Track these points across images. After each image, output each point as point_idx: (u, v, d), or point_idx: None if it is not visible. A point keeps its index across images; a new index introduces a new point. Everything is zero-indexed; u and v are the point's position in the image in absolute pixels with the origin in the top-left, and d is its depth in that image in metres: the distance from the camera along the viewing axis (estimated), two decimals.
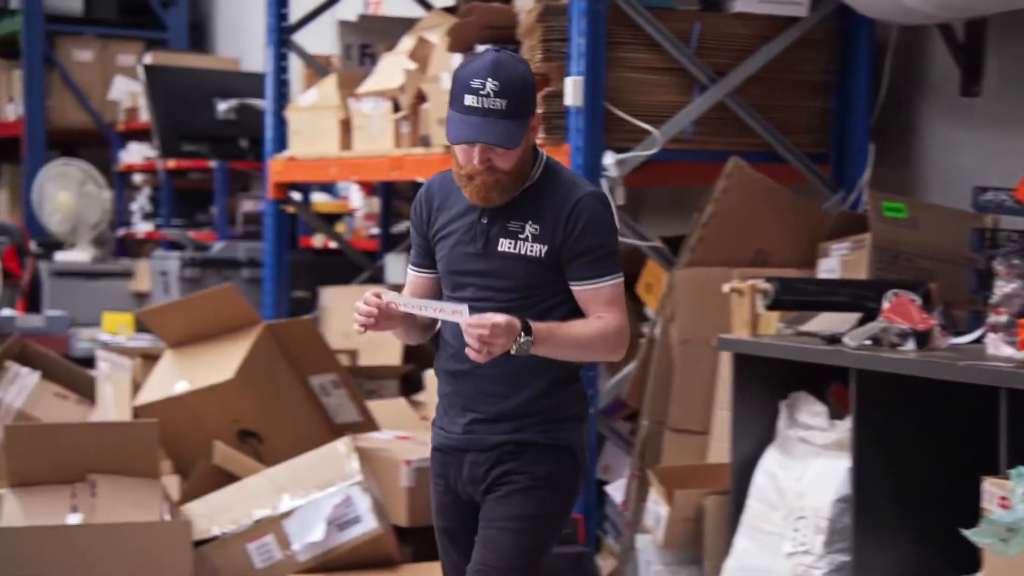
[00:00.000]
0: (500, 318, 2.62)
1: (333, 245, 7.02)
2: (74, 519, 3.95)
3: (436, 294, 2.88)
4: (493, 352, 2.62)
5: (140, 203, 8.79)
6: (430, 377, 5.08)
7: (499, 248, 2.78)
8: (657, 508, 4.01)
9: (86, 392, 5.38)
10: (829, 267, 4.27)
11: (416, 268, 2.90)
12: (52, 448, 4.05)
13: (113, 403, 5.06)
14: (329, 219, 7.45)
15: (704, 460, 4.25)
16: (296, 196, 6.58)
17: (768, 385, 3.83)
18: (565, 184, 2.80)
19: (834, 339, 3.60)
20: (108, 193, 8.24)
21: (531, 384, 2.80)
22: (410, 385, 5.49)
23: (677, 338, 4.35)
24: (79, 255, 7.86)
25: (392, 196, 7.06)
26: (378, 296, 2.74)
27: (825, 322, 3.89)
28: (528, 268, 2.77)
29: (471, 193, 2.75)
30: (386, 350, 5.66)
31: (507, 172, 2.73)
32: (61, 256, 7.87)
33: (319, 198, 7.72)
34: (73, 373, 5.51)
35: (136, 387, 4.97)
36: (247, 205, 8.07)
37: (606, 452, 4.77)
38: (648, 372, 4.42)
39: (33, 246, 7.52)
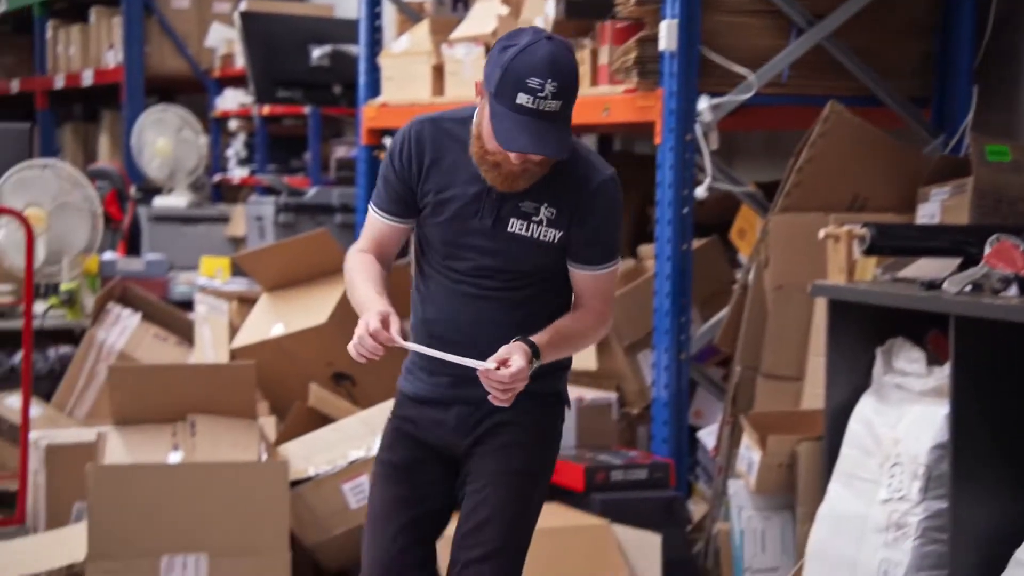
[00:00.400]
0: (522, 361, 2.51)
1: None
2: (175, 458, 4.04)
3: (402, 245, 2.75)
4: (516, 392, 2.56)
5: (235, 149, 8.89)
6: None
7: (509, 229, 2.61)
8: (749, 454, 4.00)
9: (185, 334, 5.49)
10: (929, 212, 4.19)
11: (387, 215, 2.67)
12: (153, 388, 4.14)
13: (211, 345, 5.15)
14: None
15: (797, 406, 4.22)
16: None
17: (864, 332, 3.78)
18: (583, 163, 2.63)
19: (933, 285, 3.54)
20: (204, 139, 8.34)
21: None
22: None
23: (771, 284, 4.31)
24: (177, 200, 7.99)
25: None
26: (386, 330, 2.53)
27: (924, 268, 3.83)
28: (538, 254, 2.64)
29: (493, 179, 2.56)
30: None
31: (540, 164, 2.57)
32: (159, 201, 8.00)
33: None
34: (172, 316, 5.63)
35: (233, 330, 5.06)
36: (340, 151, 8.11)
37: (697, 398, 4.77)
38: (741, 318, 4.39)
39: (133, 191, 7.65)
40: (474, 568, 2.67)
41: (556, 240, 2.64)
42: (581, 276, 2.71)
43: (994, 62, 4.67)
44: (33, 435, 4.62)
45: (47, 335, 5.62)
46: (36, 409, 5.06)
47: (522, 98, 2.45)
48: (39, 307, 5.50)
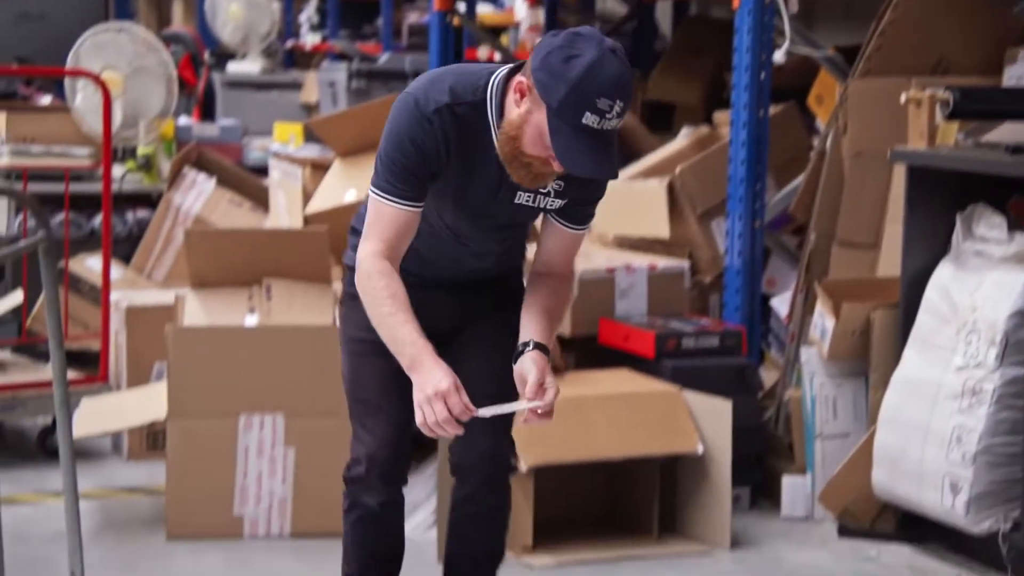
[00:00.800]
0: (549, 376, 2.53)
1: (497, 57, 6.97)
2: (251, 321, 4.09)
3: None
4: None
5: (308, 14, 8.85)
6: None
7: (516, 201, 2.56)
8: (823, 321, 3.98)
9: (259, 199, 5.52)
10: (1016, 75, 4.08)
11: (411, 203, 2.51)
12: (230, 252, 4.19)
13: (285, 211, 5.19)
14: (494, 31, 7.39)
15: (872, 275, 4.18)
16: (461, 8, 6.53)
17: (944, 198, 3.72)
18: None
19: (1017, 149, 3.46)
20: (276, 4, 8.29)
21: (501, 259, 2.74)
22: None
23: (849, 151, 4.24)
24: (250, 66, 7.98)
25: (557, 8, 6.95)
26: (462, 402, 2.42)
27: (1008, 132, 3.74)
28: (535, 215, 2.62)
29: (520, 177, 2.47)
30: None
31: None
32: (233, 67, 8.00)
33: (484, 10, 7.64)
34: (247, 181, 5.66)
35: (307, 196, 5.08)
36: (412, 17, 8.05)
37: (771, 266, 4.73)
38: (817, 185, 4.33)
39: (206, 56, 7.65)
40: (501, 436, 2.71)
41: (557, 206, 2.60)
42: (566, 234, 2.64)
43: None
44: (114, 296, 4.70)
45: (125, 199, 5.69)
46: (116, 271, 5.14)
47: (589, 118, 2.34)
48: (117, 171, 5.55)
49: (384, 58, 7.30)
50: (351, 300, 2.68)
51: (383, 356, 2.59)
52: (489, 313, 2.75)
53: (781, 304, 4.55)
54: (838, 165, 4.28)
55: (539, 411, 2.51)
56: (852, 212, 4.25)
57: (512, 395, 2.60)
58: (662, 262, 4.55)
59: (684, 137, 5.14)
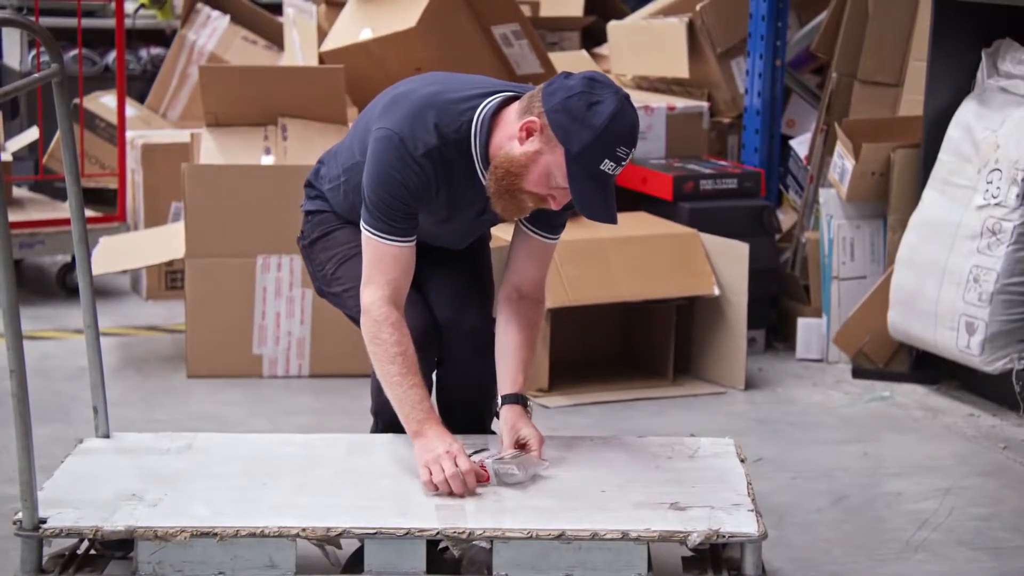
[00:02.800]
0: (530, 427, 2.55)
1: None
2: (267, 160, 4.08)
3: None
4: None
5: None
6: (613, 28, 4.98)
7: (490, 216, 2.56)
8: (842, 161, 3.94)
9: (274, 37, 5.45)
10: None
11: (407, 240, 2.49)
12: (244, 90, 4.15)
13: (300, 49, 5.12)
14: None
15: (895, 114, 4.13)
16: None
17: (970, 33, 3.64)
18: None
19: None
20: None
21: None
22: (592, 37, 5.40)
23: None
24: None
25: None
26: (470, 463, 2.43)
27: None
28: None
29: (505, 209, 2.46)
30: (569, 1, 5.55)
31: None
32: None
33: None
34: (261, 18, 5.58)
35: (321, 34, 5.01)
36: None
37: (791, 106, 4.67)
38: (840, 22, 4.25)
39: None
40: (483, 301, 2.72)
41: (535, 214, 2.57)
42: (540, 245, 2.62)
43: None
44: (129, 134, 4.68)
45: (138, 35, 5.62)
46: (131, 109, 5.11)
47: (607, 165, 2.35)
48: (129, 6, 5.48)
49: None
50: (318, 240, 2.68)
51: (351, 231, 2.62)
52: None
53: (800, 145, 4.50)
54: (862, 1, 4.19)
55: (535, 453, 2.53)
56: (875, 49, 4.17)
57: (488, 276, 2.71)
58: (681, 103, 4.49)
59: None
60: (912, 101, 3.98)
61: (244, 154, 4.08)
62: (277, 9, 5.63)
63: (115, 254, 4.24)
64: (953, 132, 3.60)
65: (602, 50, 5.25)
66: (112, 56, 5.28)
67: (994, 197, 3.45)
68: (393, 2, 4.87)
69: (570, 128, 2.35)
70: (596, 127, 2.34)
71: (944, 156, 3.62)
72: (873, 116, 4.12)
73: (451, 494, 2.42)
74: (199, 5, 5.43)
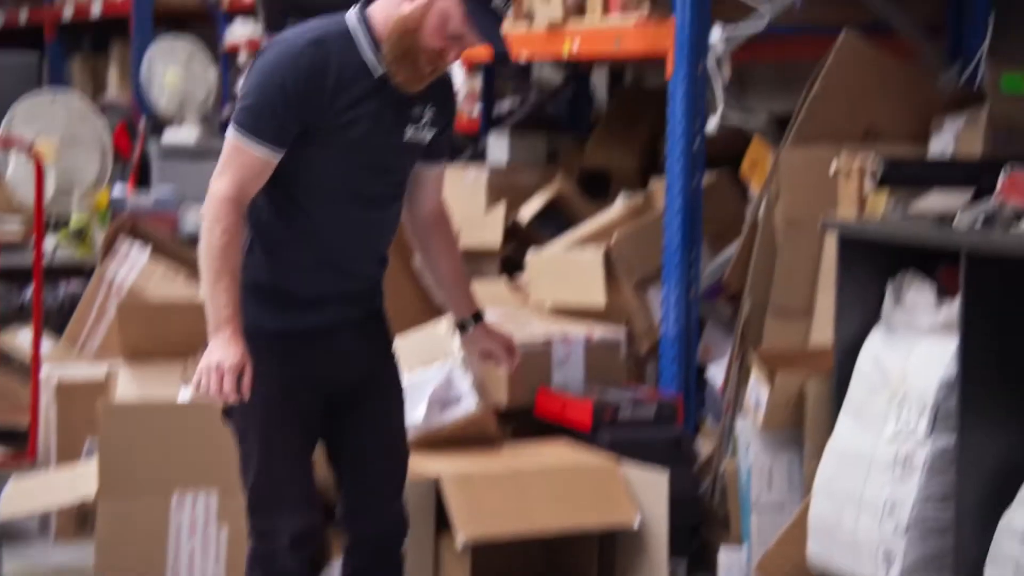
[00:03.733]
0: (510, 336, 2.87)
1: None
2: (185, 395, 4.04)
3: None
4: None
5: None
6: (532, 258, 5.07)
7: (405, 139, 2.65)
8: (758, 390, 3.99)
9: (195, 270, 5.45)
10: (942, 143, 4.14)
11: (272, 147, 2.56)
12: (163, 325, 4.15)
13: None
14: None
15: (806, 343, 4.20)
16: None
17: (875, 267, 3.74)
18: None
19: (945, 219, 3.50)
20: (214, 71, 8.28)
21: (383, 256, 2.82)
22: (510, 266, 5.49)
23: (782, 219, 4.28)
24: (186, 134, 7.94)
25: (494, 76, 6.99)
26: (235, 387, 2.55)
27: (936, 201, 3.78)
28: (418, 157, 2.72)
29: (406, 78, 2.56)
30: (487, 231, 5.66)
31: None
32: (169, 135, 7.96)
33: None
34: (182, 251, 5.61)
35: None
36: None
37: (706, 334, 4.75)
38: (751, 254, 4.36)
39: (142, 124, 7.61)
40: (398, 504, 2.77)
41: (430, 139, 2.71)
42: (435, 174, 2.80)
43: None
44: (44, 371, 4.63)
45: (57, 271, 5.62)
46: (47, 345, 5.06)
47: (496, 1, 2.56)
48: (49, 242, 5.49)
49: None
50: (252, 357, 2.64)
51: (297, 421, 2.66)
52: (382, 378, 2.82)
53: (717, 373, 4.56)
54: (771, 233, 4.32)
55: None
56: (785, 281, 4.27)
57: (405, 468, 2.74)
58: (599, 331, 4.55)
59: (620, 205, 5.16)
60: (823, 331, 4.06)
61: (162, 389, 4.05)
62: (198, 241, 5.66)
63: (25, 495, 4.14)
64: (863, 362, 3.66)
65: (521, 277, 5.33)
66: (29, 292, 5.26)
67: (905, 427, 3.48)
68: None
69: None
70: None
71: (855, 386, 3.67)
72: (786, 345, 4.19)
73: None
74: (120, 239, 5.46)
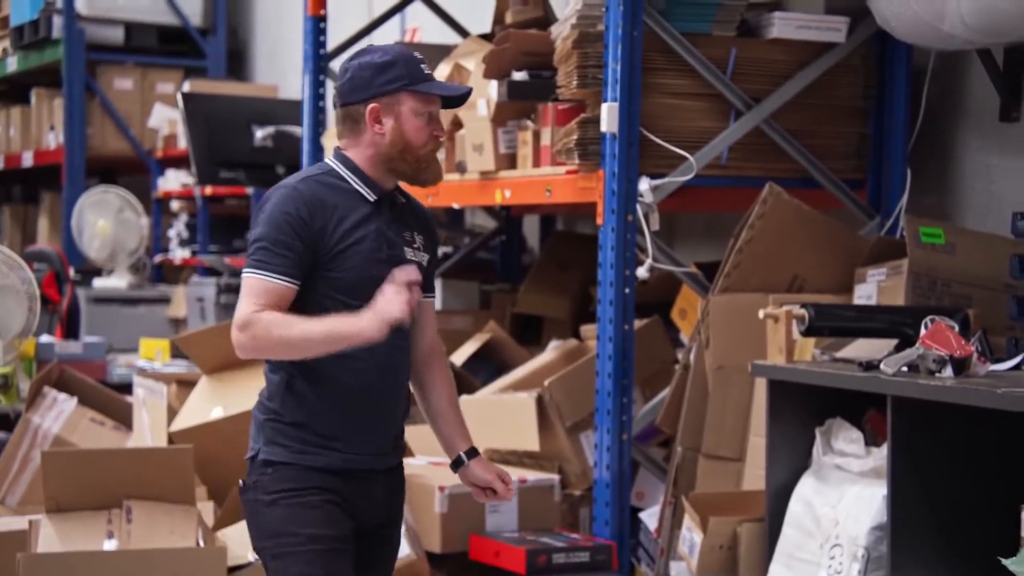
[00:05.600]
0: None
1: None
2: (110, 545, 3.95)
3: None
4: None
5: (177, 229, 8.84)
6: (464, 403, 5.06)
7: (407, 257, 2.84)
8: (691, 535, 3.99)
9: (123, 418, 5.40)
10: (866, 293, 4.24)
11: (289, 279, 2.72)
12: (88, 474, 4.06)
13: (149, 429, 5.08)
14: None
15: (738, 487, 4.22)
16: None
17: (803, 412, 3.80)
18: (406, 190, 2.93)
19: (870, 366, 3.57)
20: (146, 220, 8.30)
21: (407, 392, 2.96)
22: None
23: (712, 364, 4.33)
24: (117, 281, 7.92)
25: None
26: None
27: (861, 348, 3.86)
28: (420, 278, 2.85)
29: (435, 172, 2.83)
30: None
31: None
32: (99, 282, 7.93)
33: None
34: (110, 399, 5.54)
35: (172, 413, 4.99)
36: None
37: (640, 479, 4.75)
38: (682, 398, 4.39)
39: (71, 273, 7.57)
40: None
41: (426, 265, 2.90)
42: (429, 305, 2.95)
43: (926, 145, 4.76)
44: None
45: None
46: None
47: (424, 67, 2.82)
48: None
49: None
50: (286, 496, 2.74)
51: (341, 557, 2.74)
52: (394, 531, 2.95)
53: (650, 518, 4.55)
54: (702, 378, 4.36)
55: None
56: (717, 425, 4.31)
57: None
58: (532, 476, 4.54)
59: (552, 350, 5.20)
60: (755, 475, 4.08)
61: (85, 540, 3.95)
62: (129, 389, 5.60)
63: None
64: (795, 507, 3.69)
65: None
66: None
67: (837, 572, 3.50)
68: (245, 379, 4.90)
69: (387, 79, 2.77)
70: (390, 61, 2.78)
71: (788, 531, 3.69)
72: (718, 490, 4.20)
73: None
74: (45, 388, 5.39)
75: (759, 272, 4.35)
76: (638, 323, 4.59)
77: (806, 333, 3.76)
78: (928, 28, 4.16)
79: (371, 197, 2.81)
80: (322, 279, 2.75)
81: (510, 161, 4.93)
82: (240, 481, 2.85)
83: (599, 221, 4.44)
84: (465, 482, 2.99)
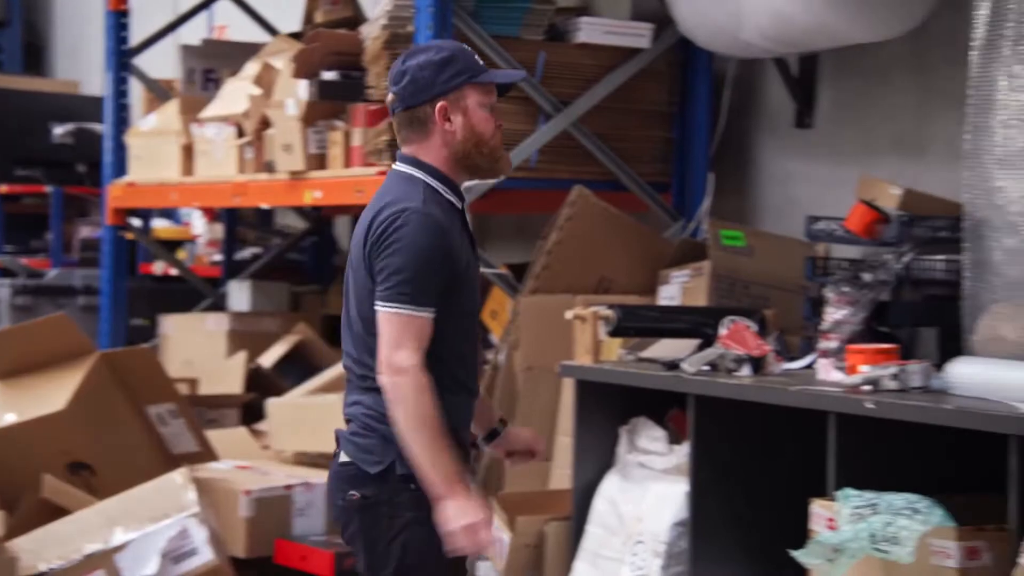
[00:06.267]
0: None
1: (174, 272, 6.87)
2: None
3: None
4: None
5: None
6: (272, 406, 5.00)
7: (479, 259, 2.86)
8: (498, 535, 4.00)
9: None
10: (670, 294, 4.32)
11: (433, 313, 2.65)
12: None
13: None
14: (170, 245, 7.29)
15: (546, 487, 4.26)
16: (136, 222, 6.44)
17: (610, 411, 3.85)
18: None
19: (673, 365, 3.64)
20: None
21: None
22: (251, 414, 5.39)
23: (521, 365, 4.36)
24: None
25: (236, 223, 6.95)
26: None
27: (665, 348, 3.94)
28: None
29: (507, 162, 2.83)
30: (227, 379, 5.56)
31: None
32: None
33: (161, 224, 7.56)
34: None
35: None
36: (85, 231, 7.85)
37: None
38: (492, 399, 4.41)
39: None
40: None
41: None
42: None
43: (728, 150, 4.90)
44: None
45: None
46: None
47: (477, 58, 2.78)
48: None
49: (53, 274, 7.06)
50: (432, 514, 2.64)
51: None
52: None
53: None
54: (511, 379, 4.39)
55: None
56: (526, 425, 4.32)
57: None
58: None
59: None
60: (562, 475, 4.12)
61: None
62: None
63: None
64: (599, 505, 3.73)
65: (262, 426, 5.23)
66: None
67: (640, 569, 3.56)
68: (40, 385, 4.73)
69: (451, 74, 2.72)
70: (448, 57, 2.73)
71: (592, 529, 3.74)
72: (527, 489, 4.23)
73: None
74: None
75: (567, 273, 4.40)
76: None
77: (612, 334, 3.82)
78: (727, 36, 4.27)
79: (459, 204, 2.77)
80: (455, 286, 2.69)
81: (320, 161, 4.88)
82: (353, 492, 2.68)
83: None
84: (501, 450, 2.99)
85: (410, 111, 2.73)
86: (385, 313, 2.62)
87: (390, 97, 2.76)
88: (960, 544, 2.80)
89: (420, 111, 2.72)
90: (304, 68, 4.77)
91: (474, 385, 2.80)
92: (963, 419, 2.87)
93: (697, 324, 3.79)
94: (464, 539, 2.58)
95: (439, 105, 2.71)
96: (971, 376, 3.00)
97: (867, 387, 3.07)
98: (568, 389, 4.10)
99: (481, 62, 2.78)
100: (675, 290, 4.30)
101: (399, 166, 2.77)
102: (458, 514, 2.58)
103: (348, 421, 2.75)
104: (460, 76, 2.72)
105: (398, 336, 2.61)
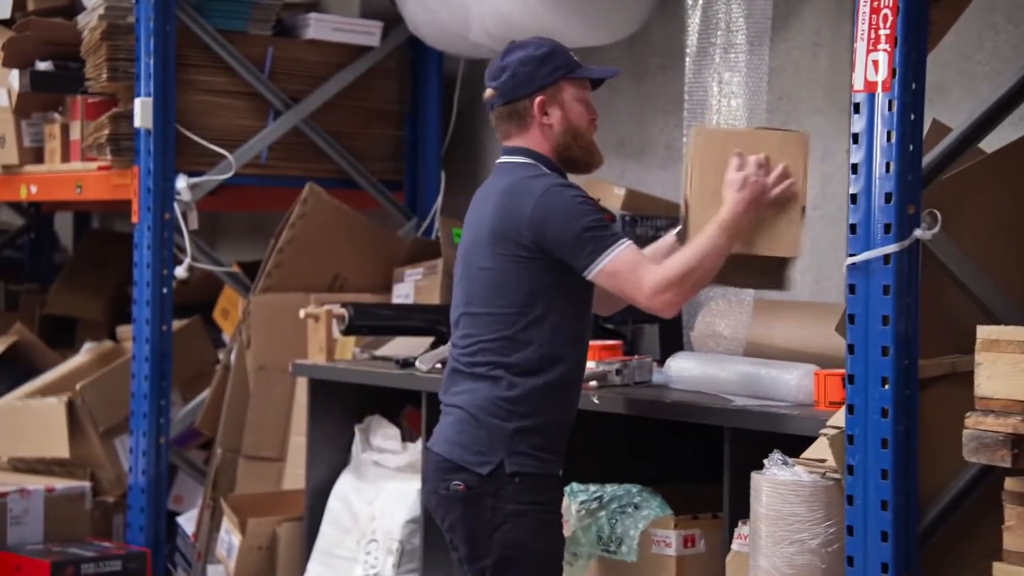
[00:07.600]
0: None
1: None
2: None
3: None
4: None
5: None
6: None
7: None
8: (229, 537, 3.95)
9: None
10: (403, 292, 4.35)
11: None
12: None
13: None
14: None
15: (280, 487, 4.22)
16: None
17: (344, 410, 3.85)
18: None
19: (407, 363, 3.67)
20: None
21: None
22: None
23: (253, 364, 4.30)
24: None
25: None
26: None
27: (400, 346, 3.96)
28: None
29: (601, 156, 2.88)
30: None
31: None
32: None
33: None
34: None
35: None
36: None
37: (177, 482, 4.65)
38: (222, 399, 4.34)
39: None
40: None
41: None
42: None
43: (459, 149, 4.96)
44: None
45: None
46: None
47: (573, 54, 2.86)
48: None
49: None
50: (535, 508, 2.69)
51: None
52: None
53: (188, 522, 4.46)
54: (243, 378, 4.32)
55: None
56: (258, 425, 4.28)
57: None
58: (60, 483, 4.35)
59: (86, 353, 4.99)
60: (296, 475, 4.09)
61: None
62: None
63: None
64: (333, 504, 3.73)
65: None
66: None
67: (373, 568, 3.57)
68: None
69: (542, 70, 2.81)
70: (546, 53, 2.83)
71: (326, 528, 3.73)
72: (259, 491, 4.19)
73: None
74: None
75: (301, 271, 4.37)
76: (177, 324, 4.49)
77: (346, 332, 3.82)
78: (456, 37, 4.33)
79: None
80: (572, 287, 2.76)
81: (36, 155, 4.69)
82: (458, 483, 2.70)
83: (135, 219, 4.31)
84: None
85: (510, 105, 2.83)
86: (607, 264, 2.70)
87: (488, 92, 2.85)
88: (678, 532, 2.93)
89: (519, 105, 2.82)
90: (16, 57, 4.57)
91: (580, 379, 2.84)
92: (681, 412, 2.99)
93: (431, 322, 3.82)
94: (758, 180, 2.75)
95: (538, 99, 2.81)
96: (690, 370, 3.14)
97: (593, 383, 3.17)
98: (302, 388, 4.07)
99: (576, 58, 2.87)
100: (409, 288, 4.33)
101: (510, 157, 2.85)
102: (749, 194, 2.75)
103: (449, 411, 2.78)
104: (558, 71, 2.82)
105: (631, 268, 2.70)
